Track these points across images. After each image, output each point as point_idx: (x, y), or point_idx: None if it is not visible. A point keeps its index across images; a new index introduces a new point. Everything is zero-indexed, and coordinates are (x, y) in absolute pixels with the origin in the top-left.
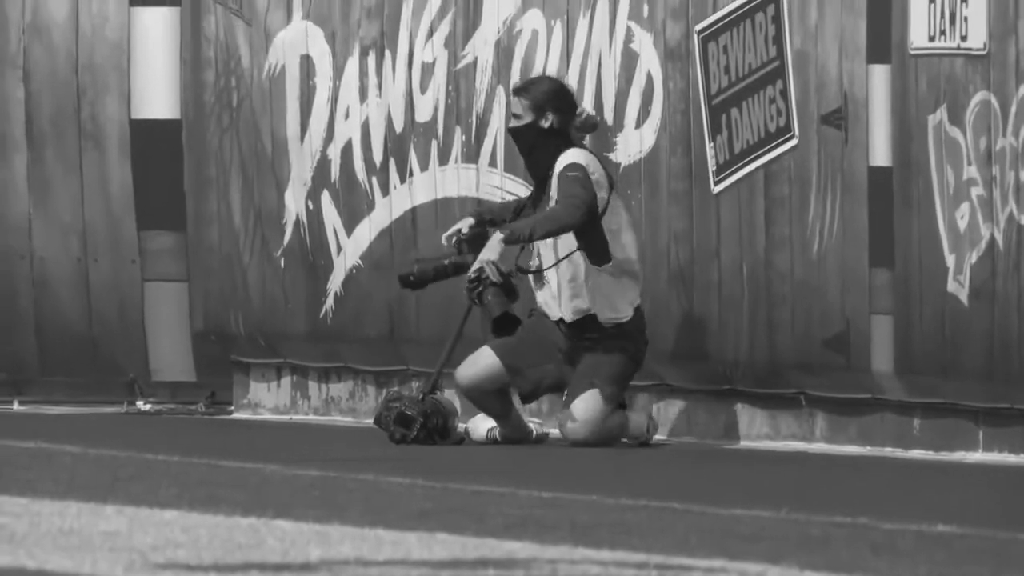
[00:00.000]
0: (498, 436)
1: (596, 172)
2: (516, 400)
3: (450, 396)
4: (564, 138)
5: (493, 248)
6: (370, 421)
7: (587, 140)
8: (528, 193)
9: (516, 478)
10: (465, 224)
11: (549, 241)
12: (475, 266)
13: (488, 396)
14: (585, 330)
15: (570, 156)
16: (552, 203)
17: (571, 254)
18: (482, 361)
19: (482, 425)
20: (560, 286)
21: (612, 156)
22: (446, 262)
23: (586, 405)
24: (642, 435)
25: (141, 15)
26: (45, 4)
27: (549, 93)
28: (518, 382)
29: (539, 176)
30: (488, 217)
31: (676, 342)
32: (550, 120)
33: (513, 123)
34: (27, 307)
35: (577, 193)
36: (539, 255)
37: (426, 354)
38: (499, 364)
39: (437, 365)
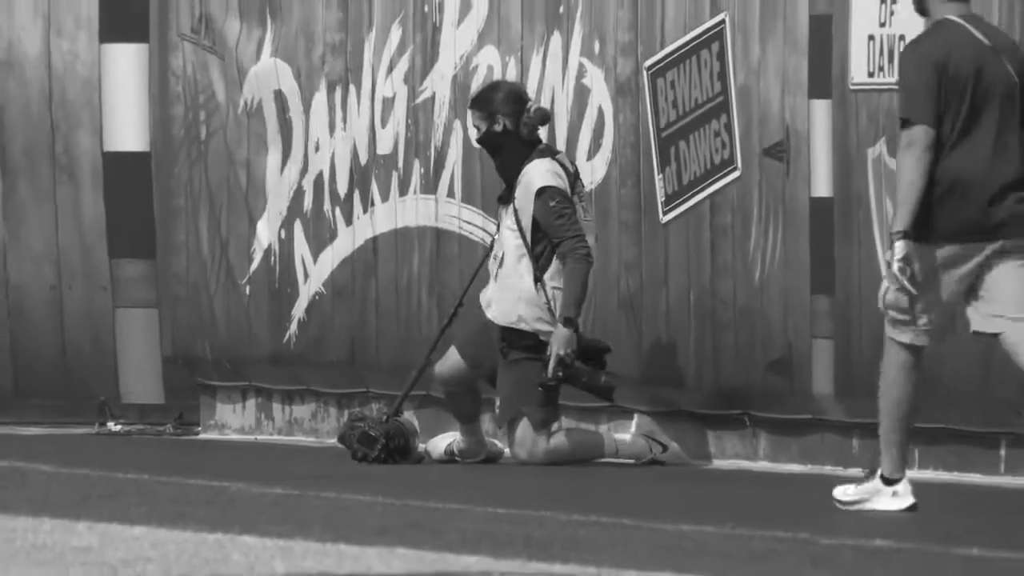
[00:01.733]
0: (456, 452)
1: (563, 184)
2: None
3: (411, 417)
4: (523, 139)
5: (564, 341)
6: (333, 441)
7: (542, 134)
8: (488, 234)
9: (472, 495)
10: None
11: (510, 242)
12: (553, 364)
13: (459, 396)
14: (513, 337)
15: (538, 174)
16: (513, 211)
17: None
18: (451, 358)
19: (441, 443)
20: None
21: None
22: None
23: (522, 434)
24: (645, 455)
25: (111, 51)
26: (18, 41)
27: (496, 99)
28: (481, 373)
29: (508, 179)
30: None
31: (626, 366)
32: (502, 123)
33: (474, 134)
34: (2, 333)
35: (572, 235)
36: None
37: (385, 378)
38: (462, 361)
39: (403, 390)
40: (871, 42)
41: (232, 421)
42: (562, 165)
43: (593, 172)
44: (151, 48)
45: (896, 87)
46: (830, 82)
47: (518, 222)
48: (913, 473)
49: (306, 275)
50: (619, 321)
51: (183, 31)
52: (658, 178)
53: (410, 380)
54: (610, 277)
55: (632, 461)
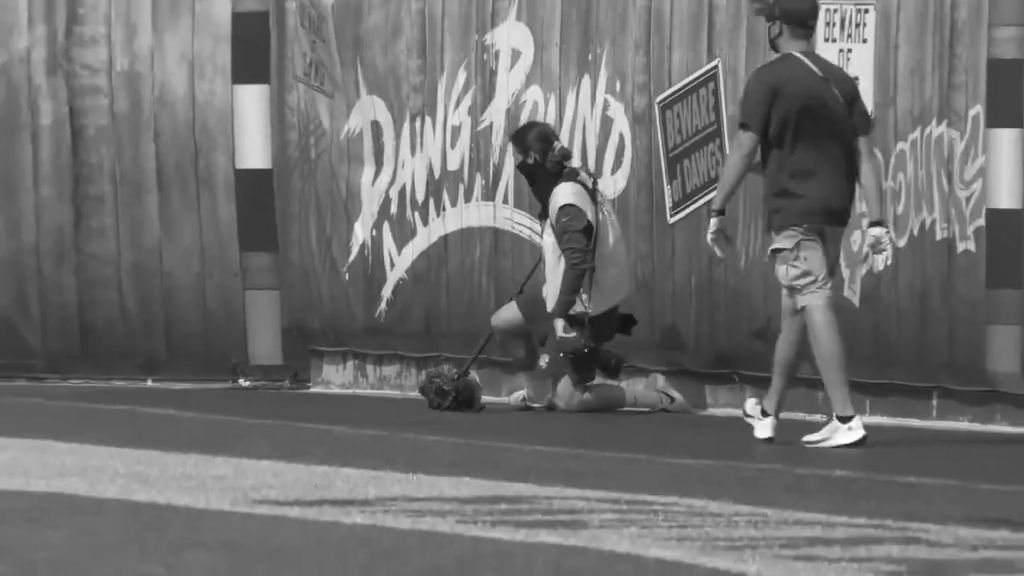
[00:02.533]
0: (527, 398)
1: (582, 203)
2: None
3: (476, 376)
4: (549, 170)
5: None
6: (414, 394)
7: (579, 164)
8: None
9: (522, 436)
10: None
11: (549, 248)
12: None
13: (513, 340)
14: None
15: (563, 194)
16: (550, 225)
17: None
18: (509, 310)
19: (517, 394)
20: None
21: None
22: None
23: (562, 388)
24: (657, 405)
25: (241, 90)
26: (169, 83)
27: (528, 137)
28: (533, 329)
29: (542, 200)
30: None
31: (642, 334)
32: (533, 157)
33: (515, 162)
34: (159, 311)
35: (569, 248)
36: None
37: (454, 344)
38: (519, 312)
39: (471, 355)
40: None
41: (335, 379)
42: (583, 184)
43: (615, 184)
44: (272, 88)
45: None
46: None
47: (553, 232)
48: (865, 419)
49: (392, 264)
50: (637, 300)
51: (297, 74)
52: (667, 188)
53: (477, 346)
54: (629, 266)
55: (647, 409)
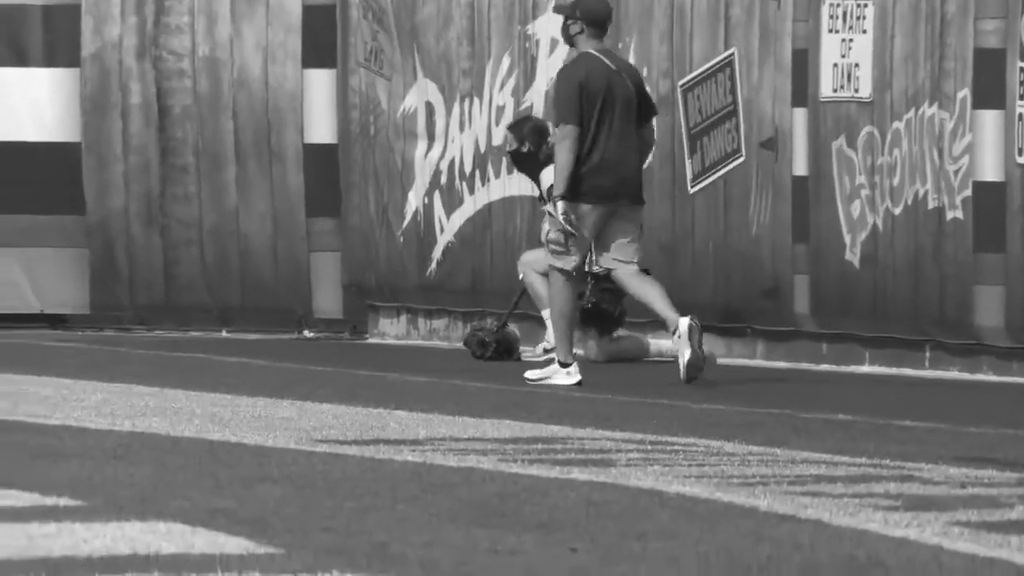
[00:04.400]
0: (546, 349)
1: None
2: None
3: (515, 328)
4: (539, 160)
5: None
6: (460, 344)
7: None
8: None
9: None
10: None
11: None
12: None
13: (541, 279)
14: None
15: (551, 173)
16: (546, 210)
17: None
18: (533, 252)
19: (539, 347)
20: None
21: None
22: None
23: (590, 341)
24: (670, 353)
25: (310, 74)
26: (246, 66)
27: (525, 129)
28: None
29: (535, 180)
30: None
31: (667, 292)
32: (527, 147)
33: (507, 148)
34: (235, 268)
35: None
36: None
37: (496, 301)
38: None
39: (508, 310)
40: (835, 68)
41: (390, 331)
42: None
43: None
44: (337, 72)
45: (852, 99)
46: (806, 96)
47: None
48: (865, 368)
49: (442, 229)
50: (661, 262)
51: (359, 60)
52: (688, 162)
53: (512, 302)
54: (654, 232)
55: (671, 359)
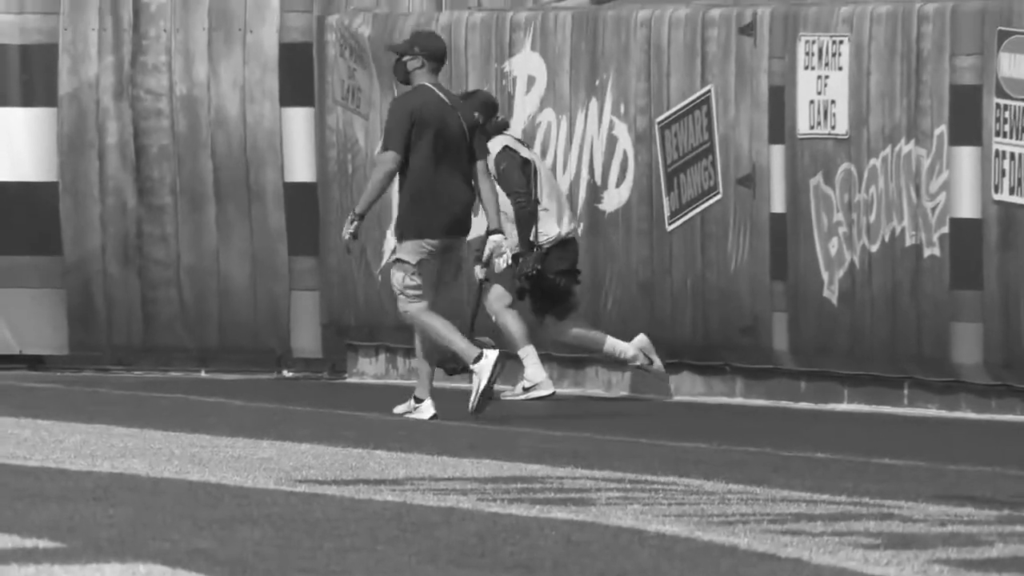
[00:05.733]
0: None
1: (514, 144)
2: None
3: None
4: (489, 130)
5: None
6: (440, 383)
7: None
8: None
9: (535, 423)
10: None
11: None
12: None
13: (511, 312)
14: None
15: (496, 144)
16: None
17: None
18: (494, 291)
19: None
20: None
21: (599, 206)
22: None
23: (549, 321)
24: (634, 360)
25: (288, 112)
26: (224, 106)
27: (475, 100)
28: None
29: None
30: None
31: (645, 331)
32: (480, 116)
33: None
34: (213, 308)
35: (514, 189)
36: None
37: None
38: (501, 287)
39: (469, 323)
40: (811, 105)
41: (369, 370)
42: (512, 135)
43: (620, 196)
44: (316, 111)
45: (829, 136)
46: (783, 132)
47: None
48: (843, 406)
49: None
50: (638, 299)
51: (336, 98)
52: (665, 199)
53: (471, 313)
54: (632, 268)
55: (623, 357)
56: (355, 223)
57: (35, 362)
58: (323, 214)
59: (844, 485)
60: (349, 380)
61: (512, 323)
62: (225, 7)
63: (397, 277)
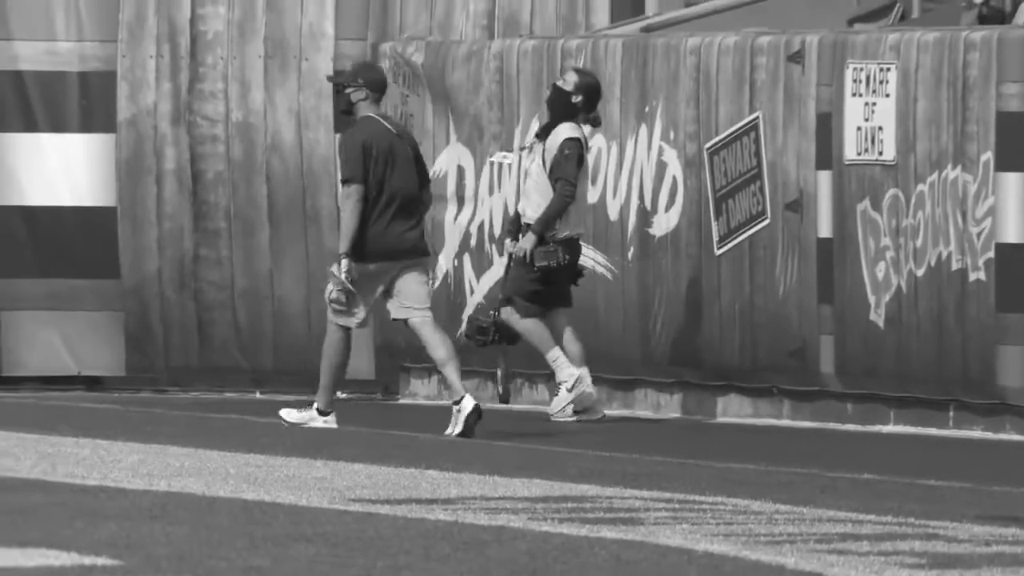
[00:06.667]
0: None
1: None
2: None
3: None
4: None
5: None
6: (492, 405)
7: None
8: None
9: (585, 443)
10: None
11: None
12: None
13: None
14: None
15: (571, 130)
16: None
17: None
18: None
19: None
20: None
21: (649, 231)
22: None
23: (507, 312)
24: (568, 377)
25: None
26: (279, 132)
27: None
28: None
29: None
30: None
31: (693, 355)
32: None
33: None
34: (268, 330)
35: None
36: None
37: (522, 360)
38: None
39: (497, 306)
40: (858, 132)
41: (421, 391)
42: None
43: (669, 221)
44: None
45: (876, 162)
46: (831, 158)
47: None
48: (890, 427)
49: (472, 290)
50: (687, 322)
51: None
52: (714, 224)
53: (501, 300)
54: (680, 292)
55: (562, 380)
56: (346, 262)
57: (93, 383)
58: None
59: (889, 505)
60: (401, 401)
61: (535, 329)
62: (281, 35)
63: (328, 288)
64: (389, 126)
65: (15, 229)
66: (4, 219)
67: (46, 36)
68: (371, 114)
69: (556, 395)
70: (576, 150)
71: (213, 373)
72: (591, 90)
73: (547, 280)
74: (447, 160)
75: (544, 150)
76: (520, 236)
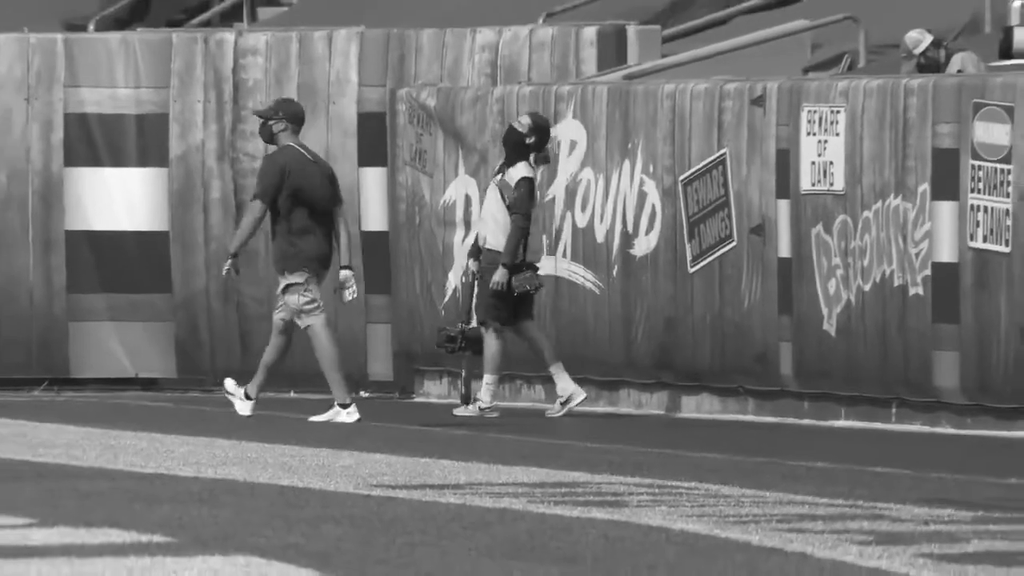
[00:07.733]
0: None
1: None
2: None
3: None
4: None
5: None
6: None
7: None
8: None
9: (576, 436)
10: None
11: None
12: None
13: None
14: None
15: (524, 169)
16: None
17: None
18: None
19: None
20: None
21: (631, 251)
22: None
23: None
24: (488, 376)
25: (365, 172)
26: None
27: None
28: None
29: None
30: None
31: (670, 359)
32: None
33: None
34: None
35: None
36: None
37: (524, 365)
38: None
39: (462, 307)
40: (813, 166)
41: (434, 391)
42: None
43: (649, 242)
44: (388, 170)
45: (828, 192)
46: (789, 189)
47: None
48: (841, 423)
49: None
50: (665, 332)
51: (406, 159)
52: (688, 246)
53: (465, 308)
54: (659, 305)
55: (480, 398)
56: (230, 260)
57: (149, 384)
58: (394, 258)
59: (841, 490)
60: (416, 400)
61: (498, 353)
62: (312, 83)
63: (292, 299)
64: (306, 153)
65: (82, 251)
66: (72, 242)
67: (108, 83)
68: (291, 143)
69: (477, 399)
70: (528, 188)
71: (253, 375)
72: (542, 132)
73: (516, 300)
74: (456, 190)
75: (502, 185)
76: (480, 257)
